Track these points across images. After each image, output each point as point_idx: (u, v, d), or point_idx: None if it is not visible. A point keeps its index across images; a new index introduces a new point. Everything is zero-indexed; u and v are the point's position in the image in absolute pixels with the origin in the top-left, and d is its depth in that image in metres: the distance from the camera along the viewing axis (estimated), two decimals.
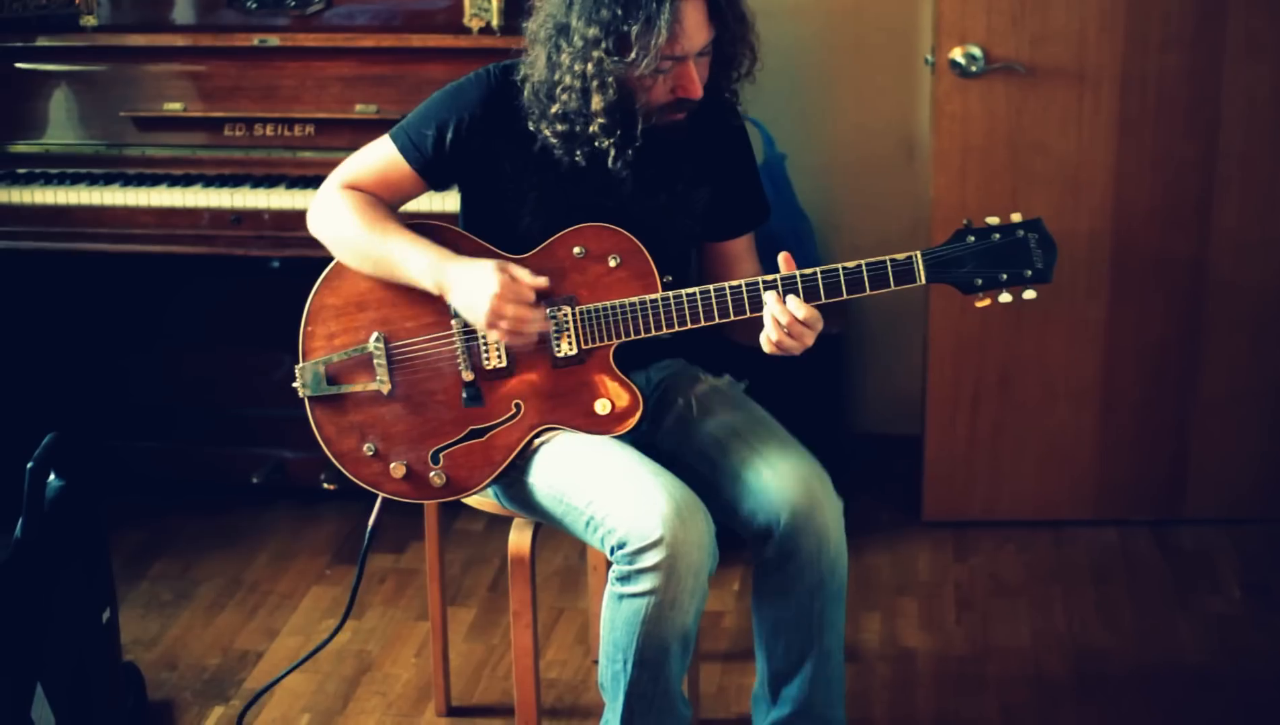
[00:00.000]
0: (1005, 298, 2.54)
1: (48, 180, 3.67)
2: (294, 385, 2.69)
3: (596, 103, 2.50)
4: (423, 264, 2.57)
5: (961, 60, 3.58)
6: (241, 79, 3.68)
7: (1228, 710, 3.14)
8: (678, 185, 2.67)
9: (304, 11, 3.72)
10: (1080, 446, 3.83)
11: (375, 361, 2.65)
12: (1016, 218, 2.54)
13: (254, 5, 3.74)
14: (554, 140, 2.57)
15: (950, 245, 2.53)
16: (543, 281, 2.55)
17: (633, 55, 2.47)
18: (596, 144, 2.54)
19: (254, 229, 3.58)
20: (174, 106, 3.69)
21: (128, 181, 3.64)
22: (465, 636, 3.45)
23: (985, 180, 3.66)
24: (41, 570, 2.66)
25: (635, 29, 2.45)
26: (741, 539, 2.65)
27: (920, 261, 2.51)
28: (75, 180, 3.65)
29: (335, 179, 2.68)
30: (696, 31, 2.49)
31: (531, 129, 2.58)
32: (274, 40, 3.66)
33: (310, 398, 2.68)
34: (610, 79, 2.49)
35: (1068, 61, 3.59)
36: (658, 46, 2.45)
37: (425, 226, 2.64)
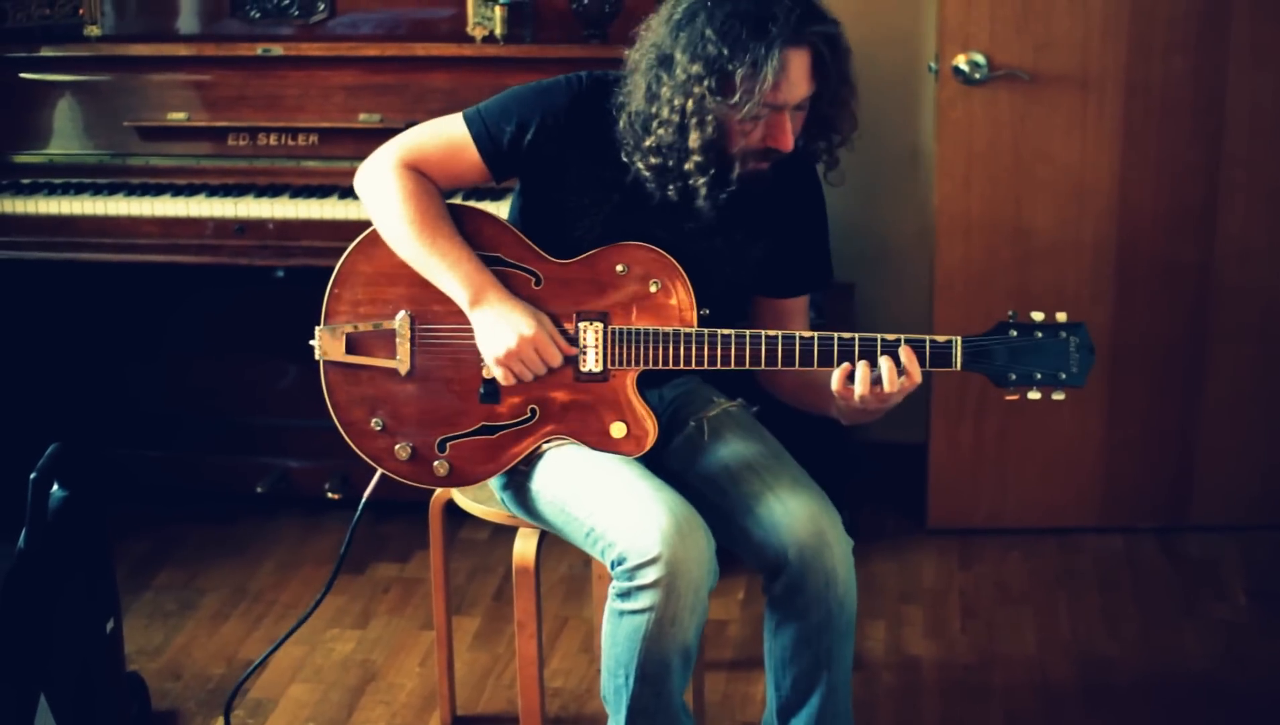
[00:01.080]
0: (1034, 395, 2.52)
1: (52, 190, 3.67)
2: (311, 342, 2.66)
3: (694, 140, 2.45)
4: (466, 276, 2.54)
5: (965, 67, 3.58)
6: (245, 88, 3.68)
7: (1234, 718, 3.14)
8: (737, 234, 2.62)
9: (308, 21, 3.73)
10: (1085, 453, 3.82)
11: (398, 339, 2.63)
12: (1062, 317, 2.52)
13: (258, 15, 3.74)
14: (647, 173, 2.52)
15: (991, 336, 2.50)
16: (573, 351, 2.55)
17: (736, 98, 2.41)
18: (690, 181, 2.49)
19: (258, 239, 3.58)
20: (178, 116, 3.69)
21: (131, 191, 3.64)
22: (470, 645, 3.45)
23: (989, 187, 3.66)
24: (45, 581, 2.66)
25: (741, 71, 2.40)
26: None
27: (959, 348, 2.49)
28: (79, 190, 3.66)
29: (396, 151, 2.62)
30: (799, 83, 2.44)
31: (624, 160, 2.54)
32: (278, 50, 3.66)
33: (325, 361, 2.66)
34: (710, 117, 2.44)
35: (1071, 68, 3.59)
36: (762, 91, 2.40)
37: (472, 213, 2.62)
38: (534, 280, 2.59)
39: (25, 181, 3.72)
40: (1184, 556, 3.75)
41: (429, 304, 2.61)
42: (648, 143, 2.50)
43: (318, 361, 2.66)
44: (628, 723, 2.52)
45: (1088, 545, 3.81)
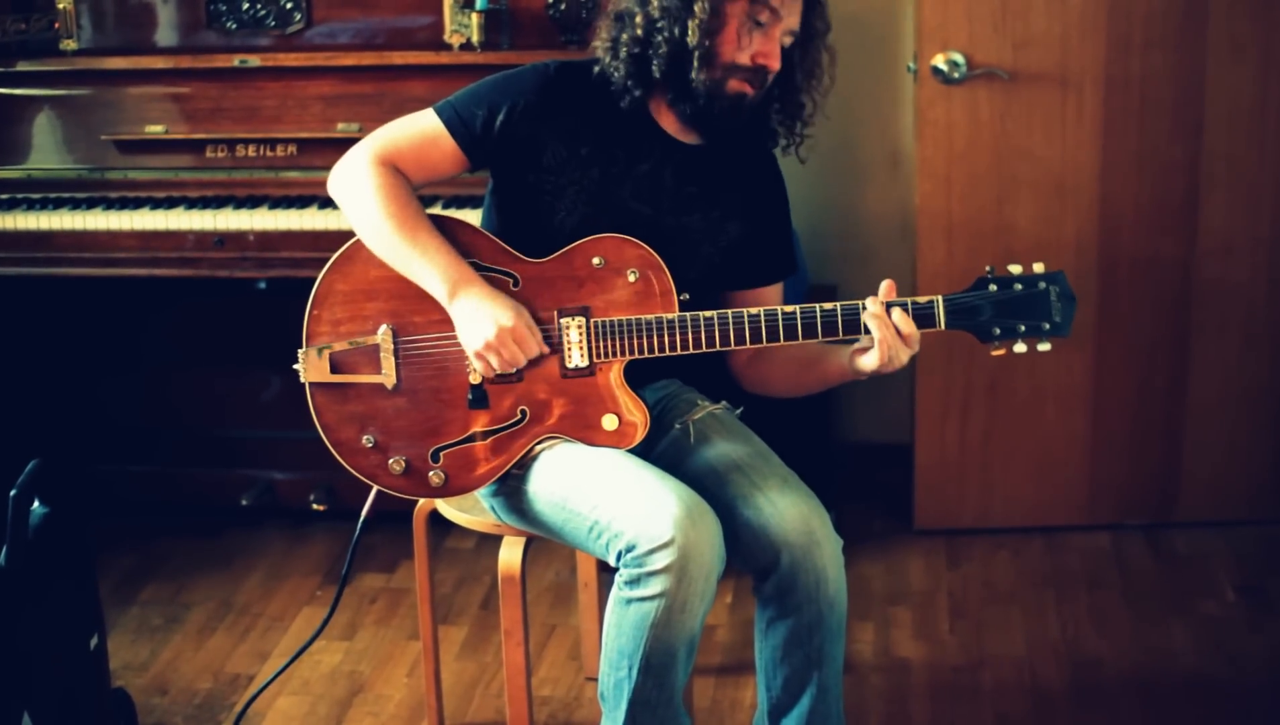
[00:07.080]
0: (1020, 348, 2.52)
1: (30, 205, 3.66)
2: (295, 367, 2.65)
3: (693, 26, 2.53)
4: (445, 269, 2.53)
5: (944, 67, 3.58)
6: (223, 100, 3.67)
7: (1223, 714, 3.13)
8: (714, 211, 2.65)
9: (284, 31, 3.72)
10: (1071, 451, 3.82)
11: (382, 353, 2.61)
12: (1039, 268, 2.53)
13: (234, 26, 3.73)
14: (623, 68, 2.58)
15: (972, 292, 2.52)
16: (546, 349, 2.55)
17: None
18: (660, 52, 2.55)
19: (238, 250, 3.56)
20: (156, 129, 3.68)
21: (110, 205, 3.63)
22: (457, 655, 3.44)
23: (970, 187, 3.66)
24: (27, 598, 2.64)
25: None
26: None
27: (941, 307, 2.50)
28: (58, 205, 3.64)
29: (370, 147, 2.61)
30: (793, 1, 2.56)
31: (596, 71, 2.61)
32: (255, 61, 3.65)
33: (311, 383, 2.65)
34: (706, 4, 2.52)
35: (1050, 66, 3.59)
36: None
37: (446, 222, 2.61)
38: (512, 282, 2.58)
39: (3, 197, 3.71)
40: (1172, 553, 3.75)
41: (409, 316, 2.60)
42: (624, 37, 2.57)
43: (304, 384, 2.65)
44: (628, 718, 2.50)
45: (1075, 544, 3.81)
